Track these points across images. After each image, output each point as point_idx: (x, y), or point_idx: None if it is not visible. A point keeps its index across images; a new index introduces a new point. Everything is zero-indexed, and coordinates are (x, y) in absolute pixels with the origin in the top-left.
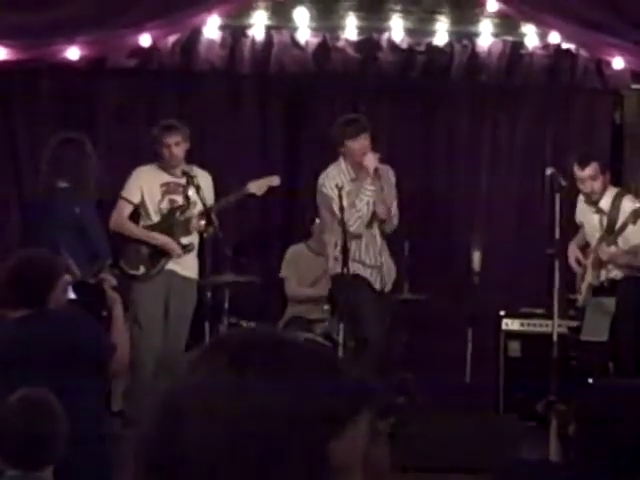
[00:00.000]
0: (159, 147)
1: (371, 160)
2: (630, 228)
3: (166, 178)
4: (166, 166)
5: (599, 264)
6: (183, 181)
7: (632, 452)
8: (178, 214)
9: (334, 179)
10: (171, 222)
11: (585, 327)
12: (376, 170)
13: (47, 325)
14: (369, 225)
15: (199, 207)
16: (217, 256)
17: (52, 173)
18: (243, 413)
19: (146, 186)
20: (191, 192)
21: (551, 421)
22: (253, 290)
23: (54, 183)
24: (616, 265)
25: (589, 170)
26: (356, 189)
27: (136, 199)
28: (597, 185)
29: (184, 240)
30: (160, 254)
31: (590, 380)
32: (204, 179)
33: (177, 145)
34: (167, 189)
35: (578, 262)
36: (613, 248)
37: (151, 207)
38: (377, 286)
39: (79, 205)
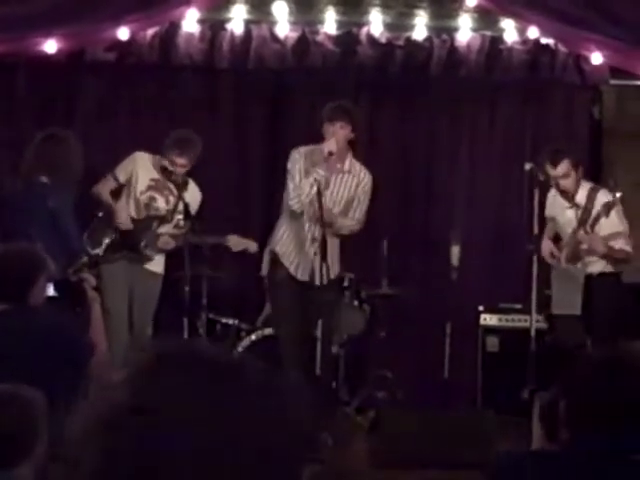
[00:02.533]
0: (165, 155)
1: (330, 144)
2: (603, 220)
3: (158, 176)
4: (166, 167)
5: (574, 257)
6: (173, 187)
7: (625, 421)
8: (155, 226)
9: (301, 154)
10: (144, 227)
11: (555, 300)
12: (330, 154)
13: (25, 321)
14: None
15: (175, 221)
16: (194, 251)
17: (34, 168)
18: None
19: (138, 173)
20: (175, 201)
21: (534, 409)
22: (231, 286)
23: (32, 177)
24: (595, 253)
25: (561, 168)
26: (310, 168)
27: (122, 178)
28: (570, 182)
29: (147, 251)
30: (115, 248)
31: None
32: (193, 194)
33: (183, 167)
34: (155, 185)
35: (552, 256)
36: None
37: (131, 194)
38: (300, 277)
39: (53, 199)
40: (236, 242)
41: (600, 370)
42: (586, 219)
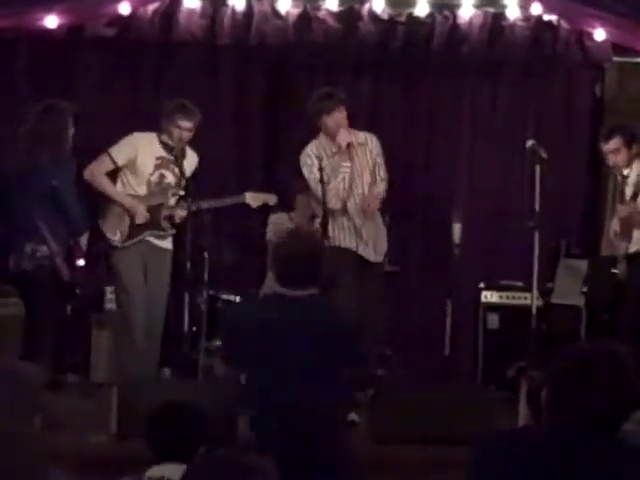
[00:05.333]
0: (169, 124)
1: (344, 136)
2: None
3: (162, 152)
4: (167, 142)
5: (624, 233)
6: (173, 158)
7: (602, 417)
8: (169, 195)
9: (314, 154)
10: (160, 203)
11: (557, 289)
12: (349, 145)
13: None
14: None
15: (181, 185)
16: (196, 226)
17: (32, 142)
18: None
19: (140, 155)
20: (177, 170)
21: (521, 387)
22: (232, 261)
23: (34, 153)
24: (635, 224)
25: (612, 144)
26: (334, 165)
27: (121, 162)
28: (620, 158)
29: (165, 224)
30: (139, 228)
31: (561, 344)
32: (191, 159)
33: (189, 131)
34: (160, 163)
35: (615, 234)
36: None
37: (140, 177)
38: (363, 253)
39: (57, 178)
40: (254, 197)
41: (575, 367)
42: (636, 194)
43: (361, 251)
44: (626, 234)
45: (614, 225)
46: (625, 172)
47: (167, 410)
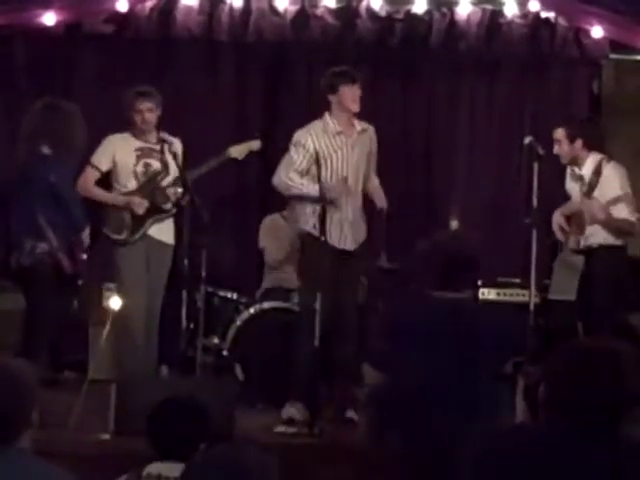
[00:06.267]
0: (131, 113)
1: (357, 105)
2: (603, 187)
3: (139, 144)
4: (138, 133)
5: (580, 228)
6: (158, 147)
7: (602, 413)
8: (159, 179)
9: (312, 141)
10: (152, 187)
11: (553, 285)
12: (352, 128)
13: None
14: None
15: (174, 174)
16: (195, 223)
17: (36, 138)
18: None
19: (119, 152)
20: (169, 158)
21: (518, 383)
22: (230, 259)
23: (36, 148)
24: (595, 220)
25: (556, 133)
26: (335, 145)
27: (105, 167)
28: (561, 150)
29: (165, 206)
30: (141, 219)
31: (558, 340)
32: (176, 145)
33: (150, 111)
34: (142, 153)
35: (561, 229)
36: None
37: (125, 172)
38: (342, 246)
39: (55, 173)
40: (238, 150)
41: (576, 364)
42: (589, 190)
43: (342, 244)
44: (578, 228)
45: (558, 219)
46: (582, 171)
47: (169, 406)
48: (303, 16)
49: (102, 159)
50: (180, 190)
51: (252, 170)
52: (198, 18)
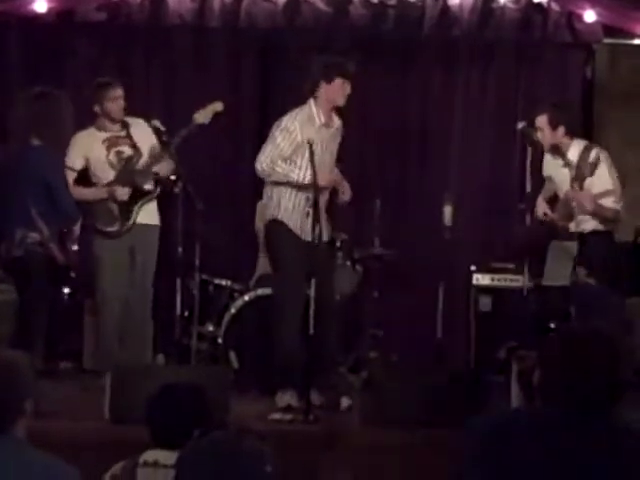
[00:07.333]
0: (105, 104)
1: (343, 100)
2: (594, 178)
3: (105, 135)
4: (104, 124)
5: (567, 216)
6: (123, 133)
7: (598, 398)
8: (134, 162)
9: (299, 129)
10: (130, 172)
11: (547, 272)
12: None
13: None
14: None
15: (150, 152)
16: (188, 210)
17: (23, 128)
18: None
19: (88, 148)
20: (137, 139)
21: (512, 367)
22: (224, 247)
23: (27, 139)
24: (584, 211)
25: (538, 121)
26: (320, 136)
27: (78, 165)
28: (543, 137)
29: (147, 186)
30: (128, 206)
31: (552, 325)
32: (139, 125)
33: (122, 98)
34: (110, 143)
35: (545, 215)
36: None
37: (100, 166)
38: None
39: (47, 166)
40: (204, 115)
41: (571, 349)
42: (579, 177)
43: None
44: (566, 214)
45: (541, 206)
46: (568, 157)
47: (168, 393)
48: (295, 2)
49: (74, 159)
50: (165, 168)
51: (246, 156)
52: (190, 5)
